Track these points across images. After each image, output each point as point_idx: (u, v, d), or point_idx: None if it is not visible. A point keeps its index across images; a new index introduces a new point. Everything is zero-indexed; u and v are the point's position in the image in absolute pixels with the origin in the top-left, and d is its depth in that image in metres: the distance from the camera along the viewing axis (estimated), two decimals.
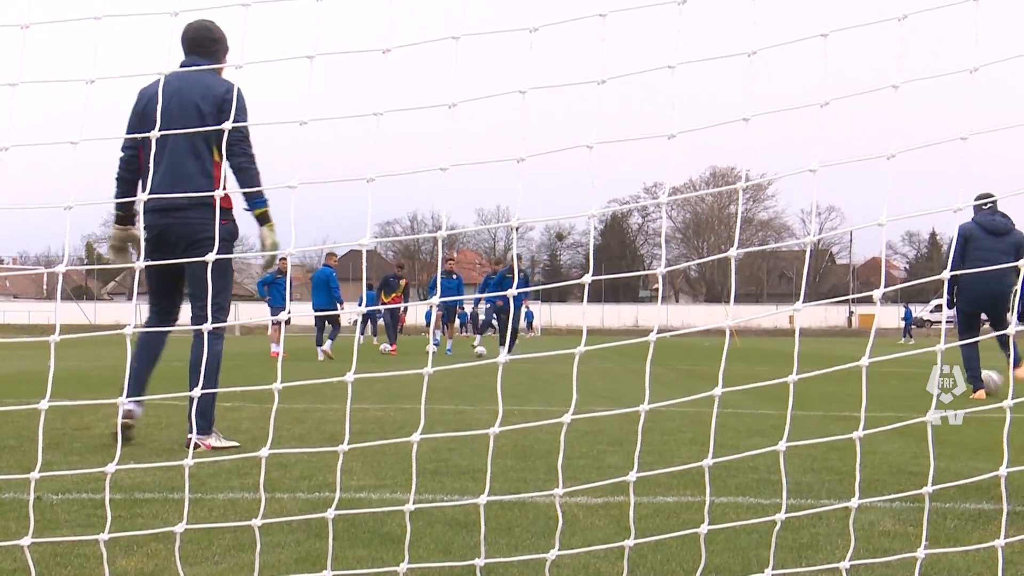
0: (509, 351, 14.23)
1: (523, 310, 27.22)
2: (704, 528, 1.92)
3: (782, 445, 1.88)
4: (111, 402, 2.14)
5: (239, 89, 4.31)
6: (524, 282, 18.29)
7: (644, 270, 62.28)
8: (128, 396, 2.10)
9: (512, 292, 2.13)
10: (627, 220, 72.33)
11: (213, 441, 4.56)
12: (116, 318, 49.63)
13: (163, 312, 4.94)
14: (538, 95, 1.87)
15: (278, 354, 8.53)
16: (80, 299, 59.13)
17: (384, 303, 17.43)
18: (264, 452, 1.88)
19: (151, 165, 4.29)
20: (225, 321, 5.03)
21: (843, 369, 2.07)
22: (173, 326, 5.14)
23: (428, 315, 29.64)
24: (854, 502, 1.90)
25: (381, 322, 20.95)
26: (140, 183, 4.88)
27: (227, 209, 4.84)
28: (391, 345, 17.73)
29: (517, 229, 2.11)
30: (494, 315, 17.30)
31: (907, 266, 69.16)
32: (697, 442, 4.59)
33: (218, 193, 3.31)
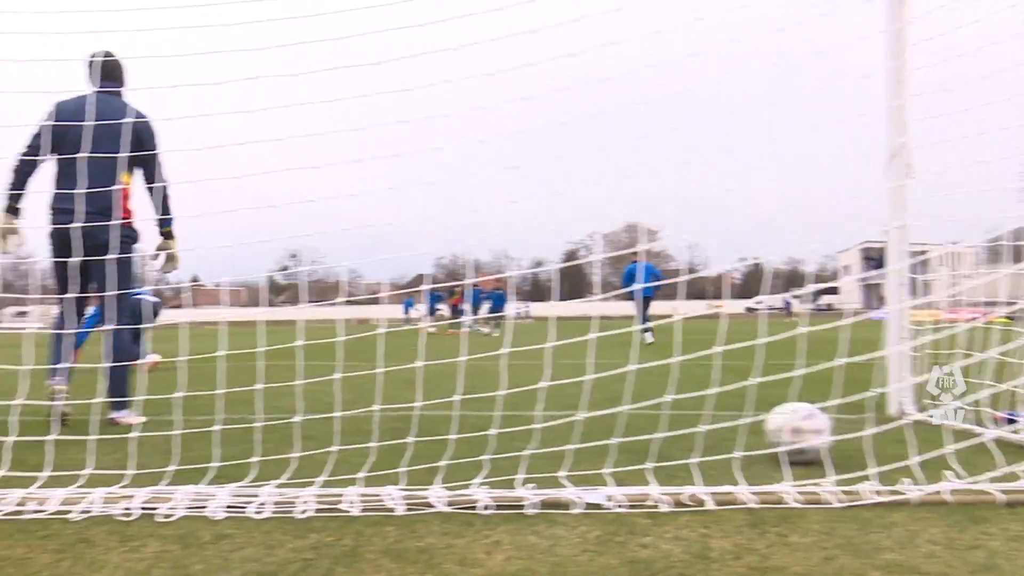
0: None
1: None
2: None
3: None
4: None
5: (151, 120, 4.81)
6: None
7: (588, 283, 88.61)
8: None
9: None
10: (577, 254, 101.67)
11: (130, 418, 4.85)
12: None
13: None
14: None
15: None
16: None
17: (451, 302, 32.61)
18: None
19: (58, 173, 4.76)
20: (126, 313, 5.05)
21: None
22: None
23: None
24: None
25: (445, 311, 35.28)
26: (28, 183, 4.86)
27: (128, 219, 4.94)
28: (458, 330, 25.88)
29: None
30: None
31: (742, 278, 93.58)
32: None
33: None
